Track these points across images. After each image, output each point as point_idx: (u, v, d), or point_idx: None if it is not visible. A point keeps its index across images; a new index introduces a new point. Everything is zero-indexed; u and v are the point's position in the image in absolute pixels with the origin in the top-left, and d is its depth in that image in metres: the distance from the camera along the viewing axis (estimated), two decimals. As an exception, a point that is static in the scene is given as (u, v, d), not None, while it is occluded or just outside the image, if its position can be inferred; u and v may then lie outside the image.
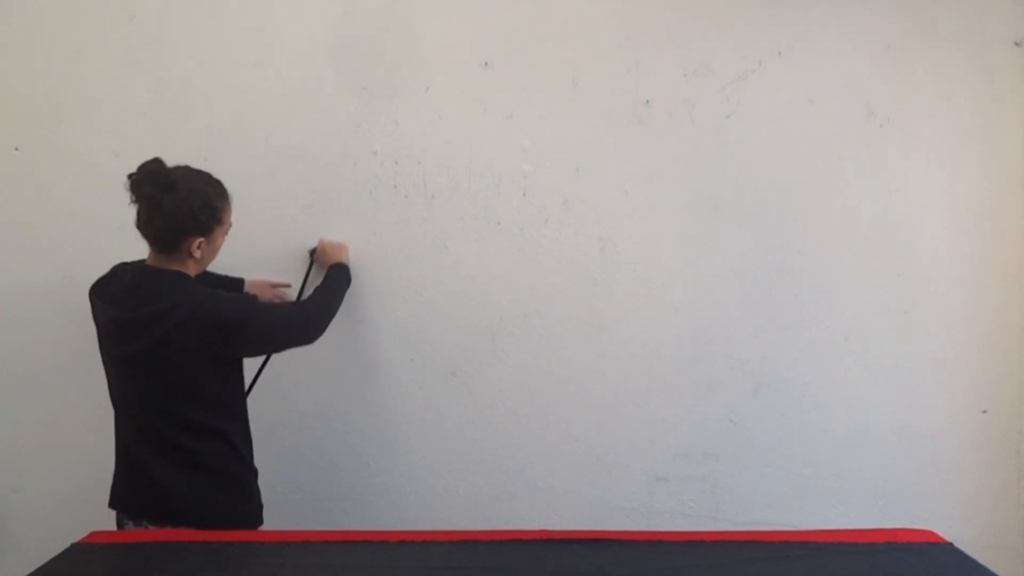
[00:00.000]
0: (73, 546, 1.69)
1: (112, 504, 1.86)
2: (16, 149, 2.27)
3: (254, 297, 1.84)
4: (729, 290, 2.34)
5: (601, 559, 1.58)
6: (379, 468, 2.35)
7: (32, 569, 1.55)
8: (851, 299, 2.36)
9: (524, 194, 2.32)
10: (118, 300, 1.76)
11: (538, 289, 2.33)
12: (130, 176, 1.71)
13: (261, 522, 1.90)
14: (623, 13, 2.30)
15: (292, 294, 2.26)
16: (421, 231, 2.29)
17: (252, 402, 2.02)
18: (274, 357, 2.11)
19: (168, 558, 1.62)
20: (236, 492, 1.85)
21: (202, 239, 1.75)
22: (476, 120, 2.30)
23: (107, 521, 1.90)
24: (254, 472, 1.91)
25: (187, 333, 1.69)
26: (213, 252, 1.83)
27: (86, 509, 2.25)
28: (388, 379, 2.34)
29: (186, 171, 1.75)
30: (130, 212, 2.25)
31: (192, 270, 1.79)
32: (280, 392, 2.25)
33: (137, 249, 2.27)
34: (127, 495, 1.83)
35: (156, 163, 1.72)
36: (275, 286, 2.25)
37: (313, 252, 2.26)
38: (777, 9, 2.32)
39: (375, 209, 2.29)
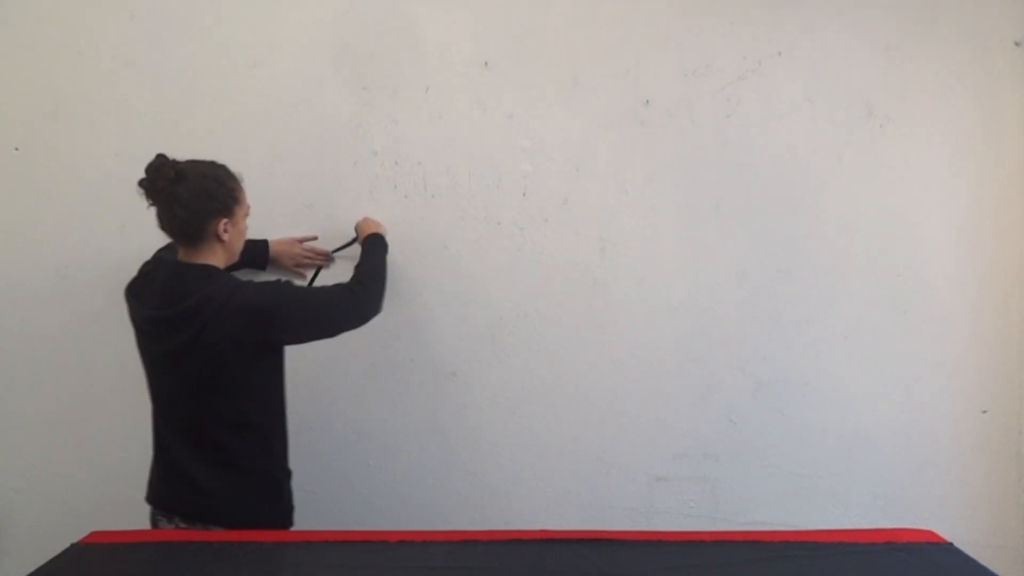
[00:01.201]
0: (73, 546, 1.69)
1: (148, 499, 1.86)
2: (16, 149, 2.27)
3: (287, 282, 1.80)
4: (729, 290, 2.34)
5: (601, 559, 1.58)
6: (379, 468, 2.35)
7: (32, 569, 1.55)
8: (851, 299, 2.36)
9: (524, 194, 2.32)
10: (151, 299, 1.76)
11: (538, 289, 2.33)
12: (140, 182, 1.71)
13: (291, 524, 1.89)
14: (623, 13, 2.30)
15: (319, 246, 2.27)
16: (421, 231, 2.29)
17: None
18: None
19: (168, 558, 1.62)
20: (267, 492, 1.84)
21: (226, 220, 1.73)
22: (476, 120, 2.30)
23: (107, 521, 1.90)
24: (287, 472, 1.89)
25: (220, 326, 1.68)
26: (240, 235, 1.81)
27: (86, 509, 2.27)
28: (388, 379, 2.34)
29: (191, 161, 1.74)
30: (129, 212, 2.28)
31: (223, 259, 1.78)
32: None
33: (137, 249, 2.28)
34: (162, 491, 1.83)
35: (161, 158, 1.72)
36: (302, 241, 2.25)
37: (354, 242, 2.25)
38: (777, 9, 2.32)
39: (375, 209, 2.29)
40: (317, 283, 2.25)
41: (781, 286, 2.35)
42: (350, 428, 2.33)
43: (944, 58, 2.33)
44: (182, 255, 1.77)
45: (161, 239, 2.27)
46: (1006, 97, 2.34)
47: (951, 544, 1.67)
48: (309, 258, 2.25)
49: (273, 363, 1.82)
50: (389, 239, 2.24)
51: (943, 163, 2.35)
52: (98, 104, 2.27)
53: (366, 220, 2.24)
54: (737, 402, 2.36)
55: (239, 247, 1.84)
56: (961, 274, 2.36)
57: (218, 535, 1.75)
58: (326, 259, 2.27)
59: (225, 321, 1.68)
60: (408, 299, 2.31)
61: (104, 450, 2.32)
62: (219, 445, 1.76)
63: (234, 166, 2.19)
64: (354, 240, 2.24)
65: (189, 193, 1.68)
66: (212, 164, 1.76)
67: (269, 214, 2.25)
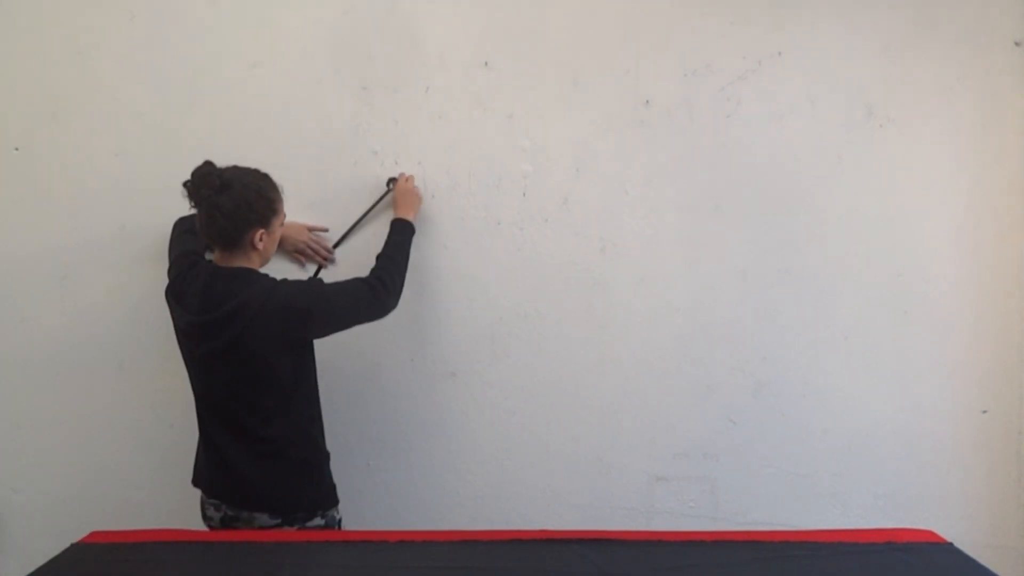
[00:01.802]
0: (73, 546, 1.69)
1: (196, 483, 1.95)
2: (16, 149, 2.27)
3: (319, 281, 1.92)
4: (729, 290, 2.34)
5: (601, 559, 1.58)
6: (379, 468, 2.35)
7: (32, 569, 1.55)
8: (851, 299, 2.36)
9: (524, 194, 2.32)
10: (192, 304, 1.83)
11: (538, 289, 2.33)
12: (185, 184, 1.77)
13: (335, 503, 1.96)
14: (623, 13, 2.30)
15: (331, 238, 2.28)
16: (421, 231, 2.29)
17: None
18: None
19: (168, 558, 1.62)
20: (309, 477, 1.92)
21: (263, 230, 1.82)
22: (476, 120, 2.30)
23: (107, 521, 1.90)
24: (326, 455, 1.98)
25: (260, 326, 1.76)
26: (273, 243, 1.90)
27: (86, 509, 2.27)
28: (388, 379, 2.34)
29: (236, 169, 1.81)
30: (129, 212, 2.28)
31: (257, 263, 1.87)
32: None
33: (137, 248, 2.29)
34: (210, 478, 1.91)
35: (208, 166, 1.77)
36: (312, 229, 2.26)
37: (391, 181, 2.26)
38: (777, 9, 2.32)
39: (375, 209, 2.29)
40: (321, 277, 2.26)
41: (781, 286, 2.35)
42: (350, 428, 2.33)
43: (944, 58, 2.33)
44: (219, 258, 1.85)
45: (160, 238, 2.28)
46: (1006, 97, 2.34)
47: (951, 544, 1.67)
48: (313, 250, 2.25)
49: (306, 355, 1.91)
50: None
51: (943, 163, 2.34)
52: (98, 104, 2.27)
53: (409, 192, 2.22)
54: (737, 402, 2.36)
55: (272, 252, 1.94)
56: (961, 274, 2.36)
57: (218, 535, 1.75)
58: (327, 258, 2.27)
59: (264, 322, 1.77)
60: (408, 299, 2.30)
61: (104, 450, 2.32)
62: (260, 435, 1.84)
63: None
64: (389, 188, 2.25)
65: (231, 203, 1.76)
66: (256, 174, 1.83)
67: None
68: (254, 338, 1.77)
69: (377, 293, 1.94)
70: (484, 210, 2.31)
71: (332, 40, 2.28)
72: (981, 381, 2.38)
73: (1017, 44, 2.33)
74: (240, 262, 1.83)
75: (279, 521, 1.85)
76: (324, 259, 2.27)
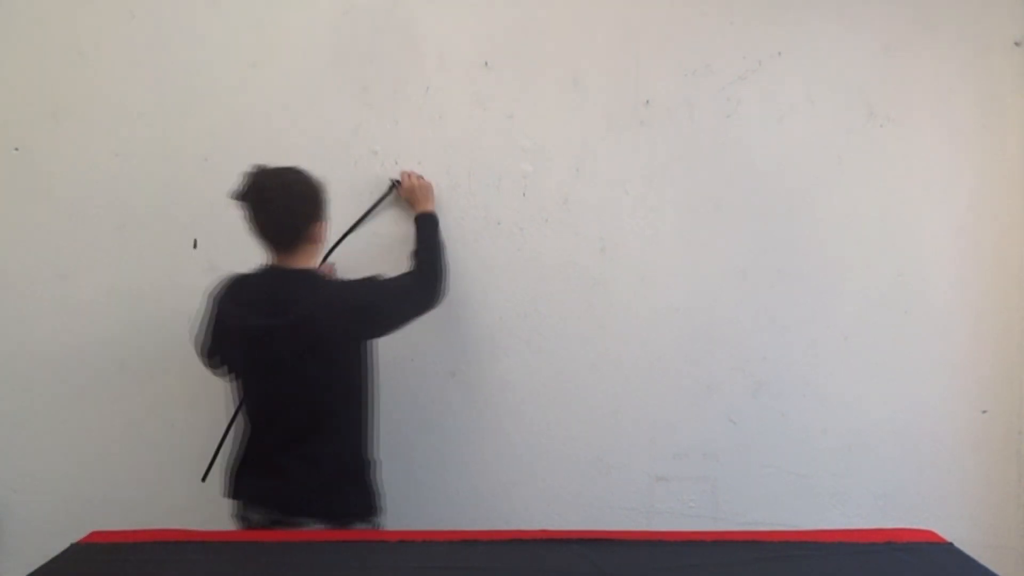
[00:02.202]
0: (73, 546, 1.69)
1: (235, 495, 1.90)
2: (16, 149, 2.27)
3: (376, 277, 1.90)
4: (729, 290, 2.34)
5: (601, 559, 1.58)
6: (379, 468, 2.34)
7: (32, 569, 1.55)
8: (851, 299, 2.36)
9: (524, 194, 2.32)
10: (257, 307, 1.78)
11: (538, 289, 2.33)
12: (236, 195, 1.76)
13: (383, 511, 1.94)
14: (623, 13, 2.30)
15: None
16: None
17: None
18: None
19: (168, 558, 1.62)
20: (363, 482, 1.92)
21: (321, 223, 1.83)
22: (476, 120, 2.30)
23: (107, 521, 1.90)
24: (376, 462, 1.97)
25: (336, 328, 1.78)
26: (325, 235, 1.90)
27: (86, 509, 2.27)
28: (388, 379, 2.33)
29: (278, 169, 1.79)
30: (129, 212, 2.28)
31: (316, 258, 1.88)
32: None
33: (137, 249, 2.29)
34: (258, 487, 1.87)
35: (262, 168, 1.77)
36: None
37: (394, 185, 2.26)
38: (777, 9, 2.32)
39: (375, 210, 2.29)
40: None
41: (781, 286, 2.35)
42: (350, 428, 2.33)
43: (944, 58, 2.33)
44: (277, 260, 1.82)
45: (158, 241, 2.28)
46: (1006, 97, 2.34)
47: (951, 544, 1.67)
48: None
49: (368, 356, 1.91)
50: (389, 239, 2.25)
51: (943, 163, 2.35)
52: (98, 104, 2.27)
53: (419, 187, 2.21)
54: (737, 402, 2.36)
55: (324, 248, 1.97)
56: (961, 274, 2.36)
57: (218, 535, 1.75)
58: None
59: (339, 322, 1.78)
60: (408, 299, 2.31)
61: (104, 450, 2.32)
62: (324, 440, 1.83)
63: (234, 166, 2.19)
64: (391, 189, 2.25)
65: (298, 198, 1.77)
66: (298, 170, 1.82)
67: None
68: (331, 340, 1.78)
69: (426, 284, 2.00)
70: (484, 210, 2.31)
71: (332, 40, 2.28)
72: (981, 381, 2.38)
73: (1017, 44, 2.33)
74: (301, 261, 1.82)
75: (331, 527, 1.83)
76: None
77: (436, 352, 2.33)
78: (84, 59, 2.26)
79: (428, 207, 2.20)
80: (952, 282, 2.36)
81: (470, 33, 2.30)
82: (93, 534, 1.75)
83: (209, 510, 2.20)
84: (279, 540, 1.72)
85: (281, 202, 1.75)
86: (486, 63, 2.30)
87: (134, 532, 1.77)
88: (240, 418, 1.94)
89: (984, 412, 2.39)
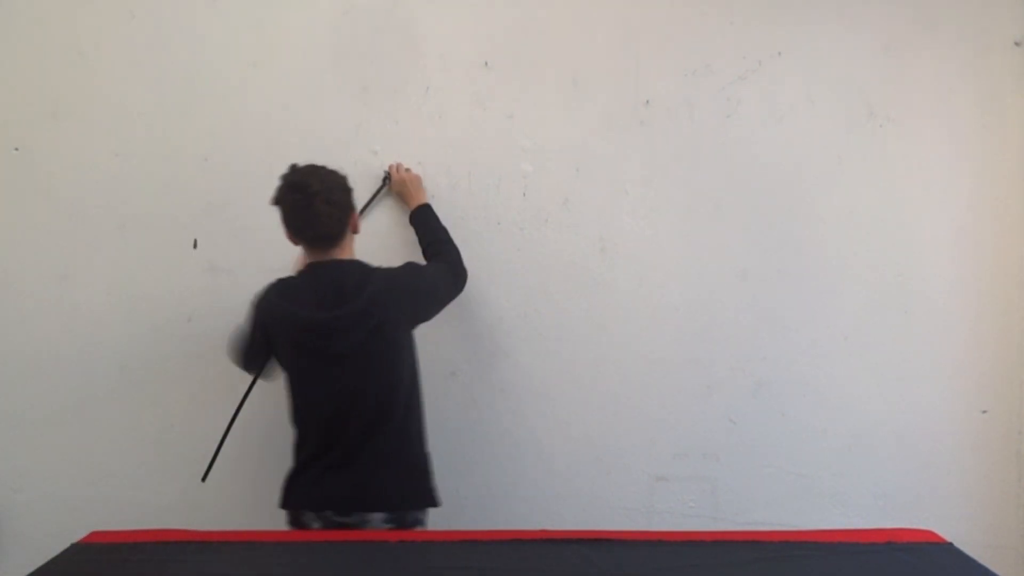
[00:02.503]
0: (73, 546, 1.69)
1: (290, 505, 1.88)
2: (16, 149, 2.27)
3: (413, 263, 1.93)
4: (729, 290, 2.34)
5: (601, 559, 1.58)
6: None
7: (32, 569, 1.55)
8: (851, 299, 2.36)
9: (524, 194, 2.32)
10: (315, 302, 1.80)
11: (538, 289, 2.33)
12: (278, 200, 1.79)
13: (439, 503, 1.94)
14: (623, 13, 2.30)
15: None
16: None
17: (252, 404, 2.03)
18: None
19: (168, 558, 1.62)
20: (422, 472, 1.92)
21: (357, 213, 1.89)
22: (476, 120, 2.30)
23: (107, 521, 1.90)
24: (429, 454, 1.96)
25: (395, 313, 1.81)
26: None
27: (86, 509, 2.27)
28: (388, 379, 2.33)
29: (307, 168, 1.82)
30: (130, 212, 2.28)
31: (351, 249, 1.90)
32: (281, 393, 2.25)
33: (137, 248, 2.29)
34: (312, 490, 1.85)
35: (297, 170, 1.80)
36: None
37: (387, 178, 2.27)
38: (777, 9, 2.32)
39: (375, 209, 2.29)
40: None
41: (781, 286, 2.35)
42: (350, 428, 2.33)
43: (944, 58, 2.33)
44: (316, 256, 1.85)
45: (158, 241, 2.28)
46: (1006, 97, 2.34)
47: (951, 544, 1.67)
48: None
49: (415, 347, 1.94)
50: (389, 239, 2.25)
51: (943, 163, 2.35)
52: (98, 104, 2.27)
53: (410, 180, 2.23)
54: (737, 402, 2.36)
55: None
56: (961, 274, 2.36)
57: (218, 535, 1.75)
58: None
59: (397, 307, 1.81)
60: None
61: (104, 450, 2.32)
62: (391, 432, 1.85)
63: (234, 166, 2.21)
64: (384, 186, 2.26)
65: (334, 195, 1.79)
66: (325, 166, 1.84)
67: (270, 214, 2.25)
68: (392, 326, 1.81)
69: (454, 269, 2.04)
70: (484, 210, 2.31)
71: (332, 40, 2.28)
72: (981, 381, 2.38)
73: (1017, 44, 2.33)
74: (346, 253, 1.87)
75: (392, 526, 1.83)
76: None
77: (436, 352, 2.33)
78: (84, 59, 2.26)
79: (422, 199, 2.21)
80: (952, 282, 2.36)
81: (470, 33, 2.30)
82: (93, 534, 1.75)
83: (209, 510, 2.21)
84: (279, 540, 1.72)
85: (324, 197, 1.77)
86: (486, 63, 2.30)
87: (134, 532, 1.77)
88: (295, 425, 1.91)
89: (984, 412, 2.39)
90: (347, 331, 1.78)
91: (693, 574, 1.55)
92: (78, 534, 1.74)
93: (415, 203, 2.20)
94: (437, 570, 1.56)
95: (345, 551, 1.66)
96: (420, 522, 1.91)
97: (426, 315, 1.95)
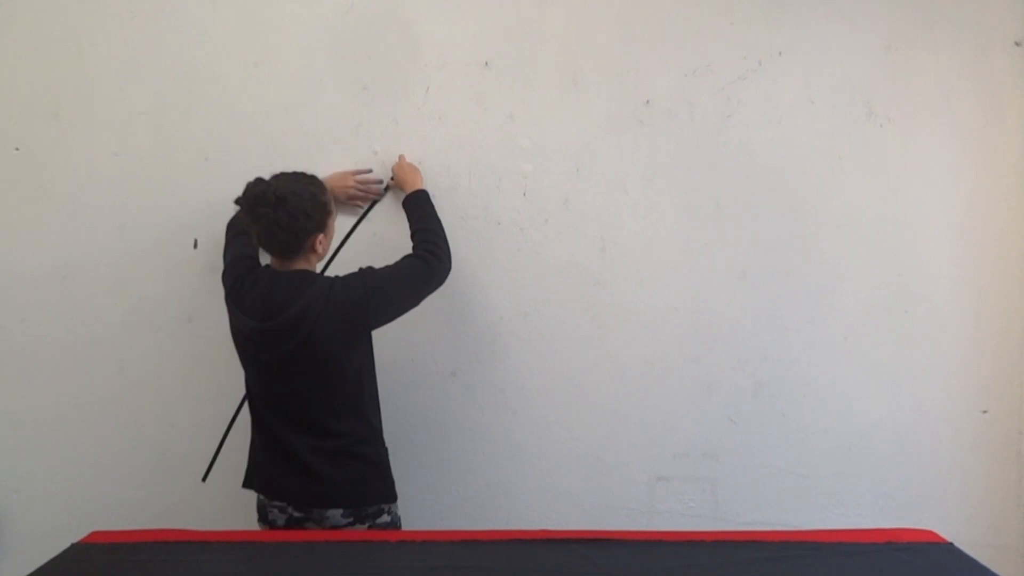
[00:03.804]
0: (73, 546, 1.69)
1: (253, 486, 1.93)
2: (16, 149, 2.27)
3: (371, 269, 1.92)
4: (729, 290, 2.34)
5: (601, 559, 1.58)
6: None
7: (32, 569, 1.55)
8: (851, 299, 2.36)
9: (524, 194, 2.32)
10: (255, 310, 1.83)
11: (538, 289, 2.33)
12: (238, 201, 1.80)
13: (396, 498, 1.97)
14: (623, 13, 2.30)
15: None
16: (421, 231, 2.29)
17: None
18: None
19: (168, 558, 1.62)
20: (377, 470, 1.95)
21: (321, 235, 1.86)
22: (476, 120, 2.30)
23: (107, 521, 1.90)
24: (386, 449, 1.99)
25: (325, 325, 1.79)
26: (329, 239, 1.93)
27: (86, 509, 2.27)
28: (388, 379, 2.33)
29: (285, 178, 1.83)
30: (129, 212, 2.28)
31: (315, 262, 1.92)
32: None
33: (137, 249, 2.29)
34: (277, 480, 1.90)
35: (261, 183, 1.80)
36: (355, 174, 2.25)
37: (386, 188, 2.28)
38: (777, 9, 2.32)
39: (375, 208, 2.29)
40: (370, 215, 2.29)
41: (781, 286, 2.35)
42: (350, 428, 2.33)
43: (944, 58, 2.33)
44: (276, 264, 1.88)
45: (160, 237, 2.29)
46: (1006, 97, 2.34)
47: (951, 544, 1.67)
48: (363, 191, 2.26)
49: (369, 349, 1.94)
50: (389, 240, 2.24)
51: (943, 163, 2.34)
52: (98, 104, 2.27)
53: (409, 168, 2.23)
54: (737, 402, 2.36)
55: (329, 248, 1.96)
56: (961, 274, 2.36)
57: (218, 535, 1.75)
58: (378, 192, 2.27)
59: (328, 322, 1.79)
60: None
61: (104, 450, 2.32)
62: (333, 433, 1.87)
63: (234, 166, 2.20)
64: (387, 187, 2.27)
65: (288, 217, 1.78)
66: (304, 179, 1.85)
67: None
68: (321, 339, 1.79)
69: (429, 262, 1.98)
70: (484, 210, 2.31)
71: (332, 40, 2.28)
72: (981, 381, 2.38)
73: (1017, 44, 2.33)
74: (300, 265, 1.86)
75: (351, 520, 1.86)
76: (376, 194, 2.27)
77: (436, 352, 2.33)
78: (84, 59, 2.26)
79: (417, 184, 2.20)
80: (952, 282, 2.36)
81: (470, 33, 2.29)
82: (93, 534, 1.75)
83: (209, 510, 2.21)
84: (278, 540, 1.72)
85: (284, 220, 1.77)
86: (486, 63, 2.30)
87: (134, 532, 1.77)
88: (250, 412, 1.95)
89: (984, 412, 2.39)
90: (274, 344, 1.81)
91: (693, 574, 1.55)
92: (78, 534, 1.74)
93: (410, 188, 2.19)
94: (437, 570, 1.56)
95: (345, 551, 1.67)
96: (383, 515, 1.92)
97: (376, 321, 1.90)
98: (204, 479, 2.20)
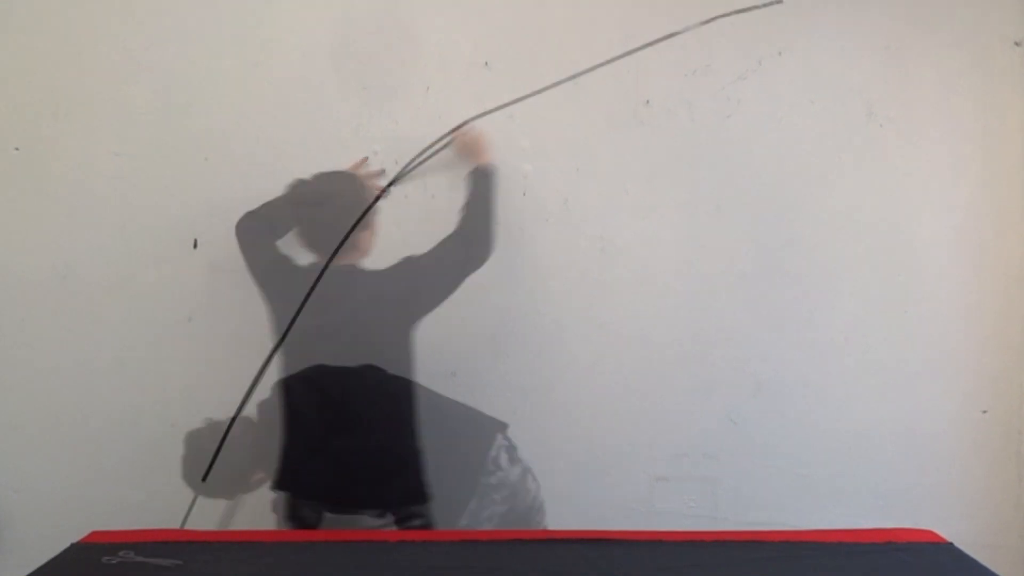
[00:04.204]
0: (73, 546, 1.69)
1: (286, 487, 1.94)
2: (16, 149, 2.27)
3: (411, 258, 1.94)
4: (729, 290, 2.34)
5: (601, 559, 1.58)
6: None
7: (32, 569, 1.55)
8: (851, 299, 2.36)
9: (524, 194, 2.32)
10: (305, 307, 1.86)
11: (538, 289, 2.33)
12: (279, 201, 1.86)
13: (430, 499, 1.95)
14: (623, 13, 2.30)
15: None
16: (421, 231, 2.28)
17: (253, 404, 2.03)
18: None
19: (168, 558, 1.62)
20: (414, 470, 1.94)
21: (368, 232, 1.91)
22: (476, 120, 2.30)
23: (107, 521, 1.90)
24: (420, 449, 1.97)
25: (377, 319, 1.84)
26: (374, 234, 2.00)
27: (86, 509, 2.27)
28: (388, 379, 2.33)
29: (326, 177, 1.87)
30: (129, 212, 2.28)
31: (358, 257, 1.96)
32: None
33: (138, 248, 2.29)
34: (315, 480, 1.92)
35: (302, 184, 1.84)
36: (356, 168, 2.23)
37: (385, 191, 2.24)
38: (777, 9, 2.31)
39: (375, 209, 2.28)
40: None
41: (781, 286, 2.35)
42: (350, 428, 2.33)
43: (944, 58, 2.33)
44: (319, 258, 1.91)
45: (159, 237, 2.28)
46: (1006, 97, 2.34)
47: (951, 544, 1.67)
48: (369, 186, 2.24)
49: (413, 345, 1.95)
50: (389, 240, 2.23)
51: (943, 163, 2.34)
52: (98, 104, 2.27)
53: (463, 142, 2.21)
54: (737, 402, 2.36)
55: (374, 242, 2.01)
56: (961, 274, 2.36)
57: (218, 535, 1.75)
58: (380, 187, 2.23)
59: (380, 315, 1.83)
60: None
61: (104, 450, 2.32)
62: (377, 432, 1.91)
63: (234, 166, 2.20)
64: (445, 145, 2.24)
65: (334, 216, 1.84)
66: (346, 179, 1.90)
67: (269, 214, 2.25)
68: (375, 334, 1.83)
69: (468, 244, 2.00)
70: (484, 210, 2.31)
71: (332, 40, 2.28)
72: (981, 381, 2.38)
73: (1017, 44, 2.33)
74: (346, 260, 1.90)
75: (384, 521, 1.87)
76: (378, 188, 2.23)
77: (436, 352, 2.33)
78: (84, 59, 2.26)
79: (481, 160, 2.17)
80: (952, 282, 2.36)
81: (470, 33, 2.29)
82: (93, 534, 1.75)
83: (209, 510, 2.21)
84: (277, 540, 1.72)
85: (330, 219, 1.83)
86: (486, 63, 2.29)
87: (134, 532, 1.77)
88: (285, 412, 1.96)
89: (984, 412, 2.39)
90: (326, 340, 1.84)
91: (693, 574, 1.55)
92: (78, 534, 1.74)
93: (473, 163, 2.18)
94: (437, 570, 1.56)
95: (345, 551, 1.66)
96: (416, 518, 1.92)
97: (428, 306, 1.94)
98: (204, 479, 2.19)
